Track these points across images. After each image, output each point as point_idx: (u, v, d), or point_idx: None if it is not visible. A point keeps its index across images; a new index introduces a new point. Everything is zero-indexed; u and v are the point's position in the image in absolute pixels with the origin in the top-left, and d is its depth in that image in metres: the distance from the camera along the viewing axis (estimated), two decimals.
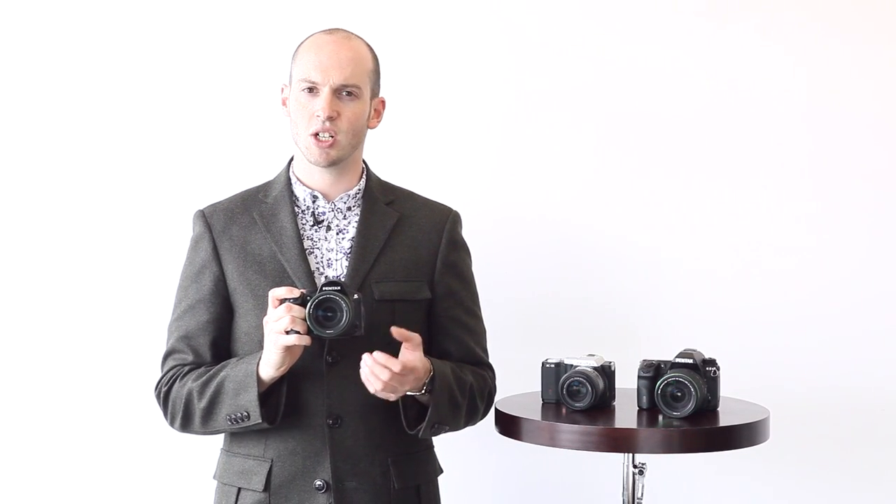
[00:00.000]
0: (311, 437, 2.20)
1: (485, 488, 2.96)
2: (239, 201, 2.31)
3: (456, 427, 2.28)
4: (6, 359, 2.94)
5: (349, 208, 2.28)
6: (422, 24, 2.95)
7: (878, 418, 2.91)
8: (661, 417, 2.30)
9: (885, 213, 2.93)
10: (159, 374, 2.28)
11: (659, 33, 2.93)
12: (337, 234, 2.27)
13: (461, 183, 2.89)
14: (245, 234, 2.26)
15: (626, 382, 2.47)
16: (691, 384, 2.27)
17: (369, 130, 2.30)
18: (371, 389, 2.12)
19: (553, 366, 2.43)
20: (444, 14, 2.95)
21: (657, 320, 2.93)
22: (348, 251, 2.25)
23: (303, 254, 2.23)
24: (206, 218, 2.29)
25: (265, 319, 2.12)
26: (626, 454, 2.34)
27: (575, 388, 2.34)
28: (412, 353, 2.13)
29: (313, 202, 2.27)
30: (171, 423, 2.26)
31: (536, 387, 2.47)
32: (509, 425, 2.33)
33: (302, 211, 2.28)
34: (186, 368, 2.24)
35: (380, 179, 2.35)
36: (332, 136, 2.20)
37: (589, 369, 2.37)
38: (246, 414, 2.14)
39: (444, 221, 2.33)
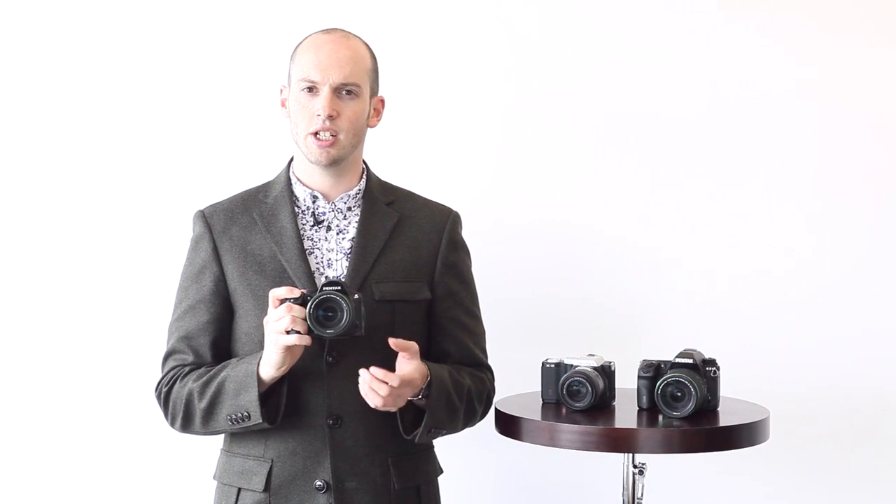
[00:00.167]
0: (311, 438, 2.20)
1: (485, 488, 2.96)
2: (239, 202, 2.31)
3: (453, 430, 2.28)
4: (6, 359, 2.94)
5: (349, 208, 2.28)
6: (421, 24, 2.95)
7: (878, 418, 2.91)
8: (661, 417, 2.30)
9: (885, 213, 2.93)
10: (160, 375, 2.28)
11: (659, 33, 2.94)
12: (337, 234, 2.27)
13: (461, 183, 2.89)
14: (245, 234, 2.26)
15: (626, 382, 2.47)
16: (691, 384, 2.27)
17: (369, 130, 2.30)
18: (371, 405, 2.13)
19: (553, 366, 2.44)
20: (444, 14, 2.95)
21: (657, 320, 2.93)
22: (348, 251, 2.25)
23: (303, 254, 2.23)
24: (207, 218, 2.29)
25: (265, 319, 2.12)
26: (626, 454, 2.34)
27: (575, 388, 2.34)
28: (409, 364, 2.13)
29: (313, 202, 2.27)
30: (172, 424, 2.26)
31: (536, 387, 2.47)
32: (509, 425, 2.33)
33: (302, 211, 2.28)
34: (187, 369, 2.24)
35: (380, 180, 2.35)
36: (332, 136, 2.20)
37: (589, 369, 2.37)
38: (246, 414, 2.14)
39: (445, 222, 2.33)
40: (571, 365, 2.40)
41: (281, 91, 2.29)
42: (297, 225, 2.25)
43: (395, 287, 2.24)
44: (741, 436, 2.25)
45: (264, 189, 2.32)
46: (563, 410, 2.36)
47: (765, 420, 2.30)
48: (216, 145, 2.94)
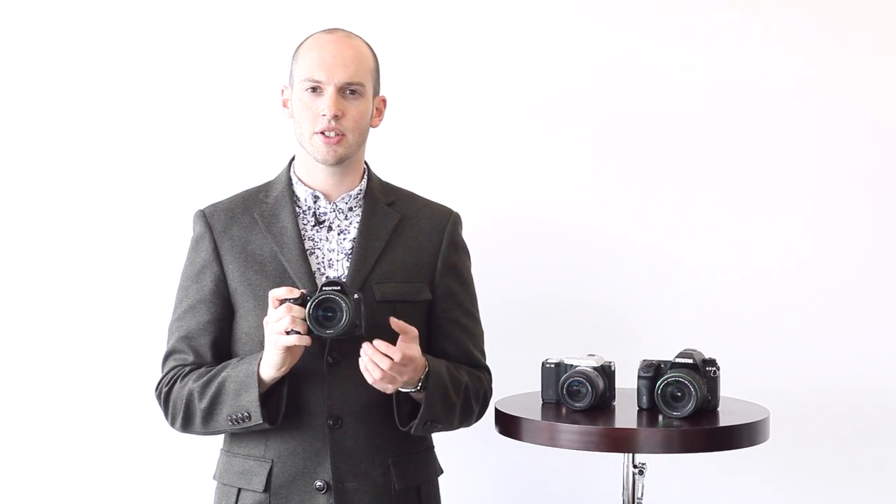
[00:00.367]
0: (311, 438, 2.20)
1: (485, 488, 2.96)
2: (239, 201, 2.31)
3: (449, 426, 2.27)
4: (6, 359, 2.94)
5: (350, 209, 2.28)
6: (421, 25, 2.94)
7: (878, 418, 2.91)
8: (661, 417, 2.30)
9: (885, 214, 2.93)
10: (160, 375, 2.28)
11: (659, 33, 2.93)
12: (338, 234, 2.26)
13: (461, 183, 2.89)
14: (246, 234, 2.26)
15: (626, 382, 2.47)
16: (691, 384, 2.27)
17: (371, 130, 2.30)
18: (369, 379, 2.12)
19: (553, 366, 2.43)
20: (444, 14, 2.95)
21: (657, 320, 2.93)
22: (349, 252, 2.25)
23: (304, 254, 2.23)
24: (207, 218, 2.29)
25: (265, 320, 2.12)
26: (626, 454, 2.34)
27: (575, 388, 2.34)
28: (409, 346, 2.13)
29: (314, 202, 2.27)
30: (172, 424, 2.26)
31: (536, 387, 2.47)
32: (509, 425, 2.33)
33: (303, 211, 2.28)
34: (187, 369, 2.24)
35: (381, 180, 2.35)
36: (338, 134, 2.20)
37: (589, 369, 2.37)
38: (247, 414, 2.14)
39: (445, 223, 2.33)
40: (571, 365, 2.40)
41: (282, 91, 2.29)
42: (297, 225, 2.25)
43: (396, 288, 2.24)
44: (741, 436, 2.25)
45: (265, 189, 2.32)
46: (563, 410, 2.36)
47: (765, 420, 2.30)
48: (217, 145, 2.94)
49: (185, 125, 2.94)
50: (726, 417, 2.31)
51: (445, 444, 2.38)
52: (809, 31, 2.92)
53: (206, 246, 2.27)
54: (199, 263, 2.27)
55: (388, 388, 2.14)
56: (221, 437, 2.31)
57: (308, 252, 2.24)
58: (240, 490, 2.23)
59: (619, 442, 2.22)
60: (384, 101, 2.32)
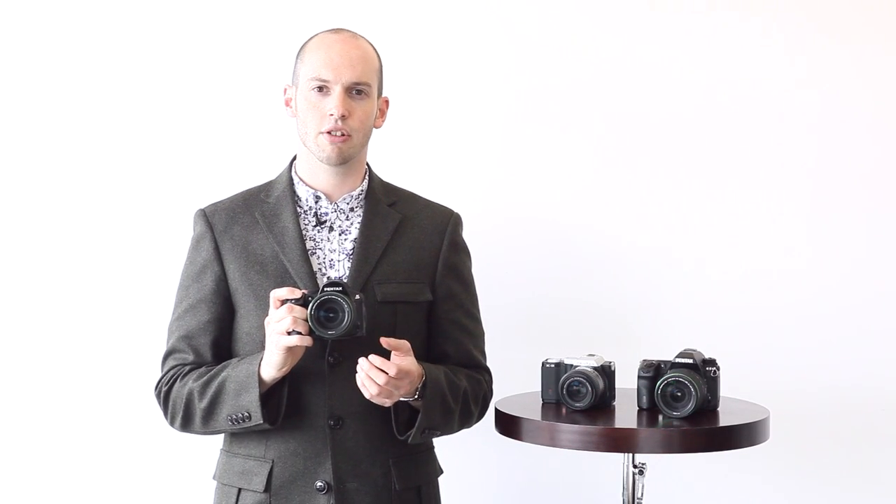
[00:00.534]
0: (312, 438, 2.20)
1: (485, 488, 2.96)
2: (240, 201, 2.31)
3: (449, 432, 2.28)
4: (6, 359, 2.94)
5: (352, 209, 2.28)
6: (422, 25, 2.94)
7: (878, 418, 2.92)
8: (661, 417, 2.30)
9: (885, 214, 2.93)
10: (159, 374, 2.28)
11: (659, 33, 2.93)
12: (339, 234, 2.26)
13: (461, 184, 2.89)
14: (247, 233, 2.26)
15: (626, 382, 2.47)
16: (691, 384, 2.27)
17: (373, 130, 2.30)
18: (367, 394, 2.12)
19: (553, 366, 2.43)
20: (445, 15, 2.95)
21: (657, 320, 2.93)
22: (350, 252, 2.25)
23: (305, 254, 2.23)
24: (208, 217, 2.29)
25: (267, 320, 2.12)
26: (626, 454, 2.34)
27: (575, 388, 2.34)
28: (403, 359, 2.13)
29: (316, 202, 2.27)
30: (172, 423, 2.26)
31: (536, 387, 2.47)
32: (509, 425, 2.33)
33: (304, 211, 2.28)
34: (187, 368, 2.24)
35: (382, 181, 2.35)
36: (343, 134, 2.20)
37: (589, 369, 2.37)
38: (247, 414, 2.14)
39: (446, 223, 2.33)
40: (571, 365, 2.40)
41: (285, 90, 2.29)
42: (299, 225, 2.25)
43: (397, 288, 2.24)
44: (741, 436, 2.25)
45: (265, 188, 2.32)
46: (563, 410, 2.36)
47: (765, 420, 2.30)
48: (217, 145, 2.93)
49: (185, 125, 2.94)
50: (726, 417, 2.31)
51: (445, 444, 2.38)
52: (809, 31, 2.92)
53: (206, 245, 2.27)
54: (200, 263, 2.27)
55: (386, 402, 2.14)
56: (221, 437, 2.31)
57: (309, 252, 2.24)
58: (240, 490, 2.23)
59: (619, 442, 2.22)
60: (387, 101, 2.31)
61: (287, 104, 2.28)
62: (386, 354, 2.12)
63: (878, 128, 2.92)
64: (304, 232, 2.25)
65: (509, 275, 2.92)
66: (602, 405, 2.37)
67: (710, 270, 2.94)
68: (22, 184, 2.94)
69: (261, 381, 2.13)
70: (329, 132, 2.20)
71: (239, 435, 2.24)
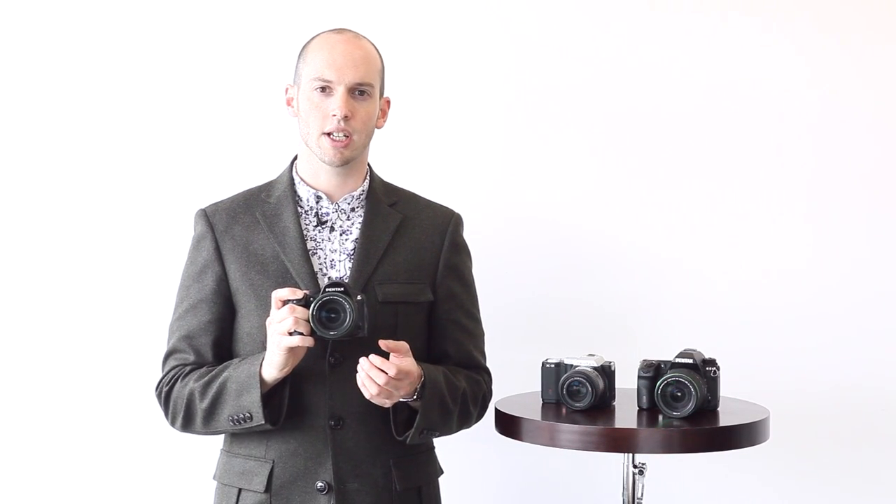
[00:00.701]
0: (312, 439, 2.20)
1: (485, 489, 2.96)
2: (241, 201, 2.31)
3: (448, 432, 2.28)
4: (6, 359, 2.94)
5: (353, 209, 2.28)
6: (422, 25, 2.94)
7: (878, 418, 2.92)
8: (661, 417, 2.30)
9: (885, 213, 2.93)
10: (160, 374, 2.28)
11: (658, 33, 2.94)
12: (340, 235, 2.26)
13: (462, 184, 2.89)
14: (247, 233, 2.26)
15: (626, 382, 2.47)
16: (691, 384, 2.27)
17: (375, 130, 2.30)
18: (367, 394, 2.12)
19: (553, 366, 2.44)
20: (445, 15, 2.95)
21: (657, 320, 2.93)
22: (351, 252, 2.25)
23: (306, 254, 2.23)
24: (209, 217, 2.28)
25: (268, 320, 2.12)
26: (626, 454, 2.34)
27: (575, 388, 2.34)
28: (403, 359, 2.13)
29: (317, 202, 2.27)
30: (172, 423, 2.26)
31: (536, 387, 2.47)
32: (509, 425, 2.33)
33: (305, 211, 2.27)
34: (188, 368, 2.24)
35: (383, 181, 2.35)
36: (346, 136, 2.20)
37: (589, 369, 2.37)
38: (248, 415, 2.14)
39: (447, 224, 2.33)
40: (571, 365, 2.40)
41: (286, 90, 2.29)
42: (300, 225, 2.25)
43: (398, 289, 2.24)
44: (741, 436, 2.26)
45: (266, 188, 2.32)
46: (563, 410, 2.36)
47: (765, 420, 2.30)
48: (218, 145, 2.93)
49: (186, 125, 2.94)
50: (726, 417, 2.31)
51: (446, 444, 2.38)
52: (809, 32, 2.92)
53: (207, 245, 2.27)
54: (201, 263, 2.27)
55: (386, 403, 2.14)
56: (221, 437, 2.31)
57: (310, 252, 2.24)
58: (240, 490, 2.23)
59: (619, 442, 2.22)
60: (388, 102, 2.31)
61: (288, 104, 2.28)
62: (386, 355, 2.12)
63: (878, 128, 2.92)
64: (304, 232, 2.25)
65: (509, 275, 2.92)
66: (602, 405, 2.37)
67: (710, 270, 2.94)
68: (23, 184, 2.94)
69: (262, 381, 2.13)
70: (331, 134, 2.20)
71: (239, 435, 2.24)
